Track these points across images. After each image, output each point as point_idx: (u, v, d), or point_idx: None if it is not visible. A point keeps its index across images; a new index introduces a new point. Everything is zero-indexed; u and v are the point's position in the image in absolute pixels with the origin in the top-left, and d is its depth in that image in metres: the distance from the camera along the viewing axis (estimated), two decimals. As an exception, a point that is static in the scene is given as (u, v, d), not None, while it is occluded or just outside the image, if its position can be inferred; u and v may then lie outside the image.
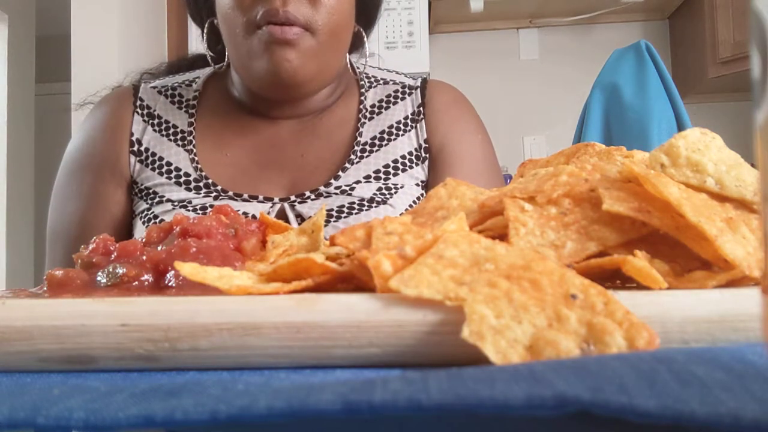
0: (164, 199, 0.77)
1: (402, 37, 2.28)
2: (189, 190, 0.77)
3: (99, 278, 0.36)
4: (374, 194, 0.77)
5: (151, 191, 0.79)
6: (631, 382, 0.17)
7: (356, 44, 0.86)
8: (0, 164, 3.09)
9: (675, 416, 0.16)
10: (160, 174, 0.79)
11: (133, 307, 0.27)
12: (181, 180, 0.78)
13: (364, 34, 0.85)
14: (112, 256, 0.38)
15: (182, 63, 0.99)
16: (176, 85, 0.87)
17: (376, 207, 0.76)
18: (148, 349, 0.26)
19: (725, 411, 0.16)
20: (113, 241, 0.40)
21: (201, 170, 0.79)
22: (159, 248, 0.38)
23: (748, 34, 0.19)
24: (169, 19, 2.38)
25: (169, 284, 0.36)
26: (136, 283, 0.36)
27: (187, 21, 2.32)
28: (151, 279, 0.36)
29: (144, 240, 0.40)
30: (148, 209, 0.78)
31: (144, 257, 0.37)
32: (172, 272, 0.36)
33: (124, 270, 0.36)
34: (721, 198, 0.32)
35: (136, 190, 0.81)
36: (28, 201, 3.27)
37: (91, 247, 0.39)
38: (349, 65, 0.87)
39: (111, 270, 0.36)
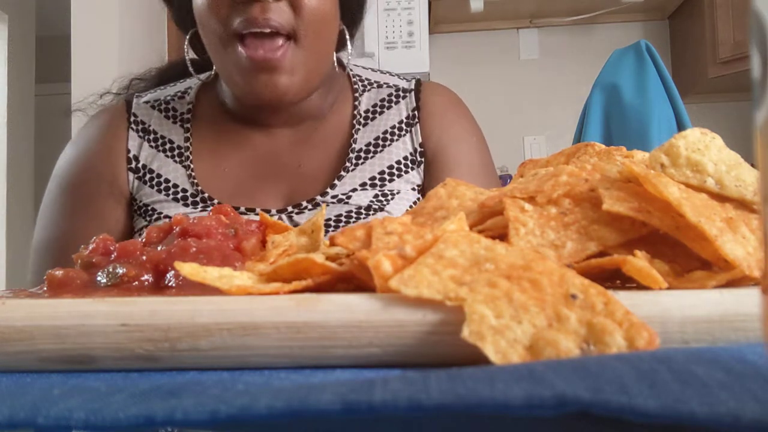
0: (162, 215, 0.77)
1: (402, 37, 2.28)
2: (186, 205, 0.77)
3: (99, 278, 0.36)
4: (371, 201, 0.77)
5: (149, 208, 0.78)
6: (631, 382, 0.17)
7: (342, 43, 0.84)
8: (0, 164, 3.09)
9: (675, 416, 0.16)
10: (159, 191, 0.79)
11: (133, 307, 0.27)
12: (179, 196, 0.78)
13: (347, 32, 0.83)
14: (112, 256, 0.38)
15: (173, 69, 0.97)
16: (169, 98, 0.85)
17: (373, 215, 0.75)
18: (148, 349, 0.26)
19: (725, 411, 0.16)
20: (113, 241, 0.40)
21: (197, 185, 0.78)
22: (159, 248, 0.38)
23: (748, 34, 0.19)
24: (169, 19, 2.38)
25: (169, 284, 0.36)
26: (136, 283, 0.36)
27: (187, 21, 2.31)
28: (151, 279, 0.36)
29: (144, 240, 0.40)
30: (147, 226, 0.77)
31: (144, 257, 0.37)
32: (172, 272, 0.36)
33: (124, 270, 0.36)
34: (721, 198, 0.32)
35: (135, 207, 0.80)
36: (27, 201, 3.27)
37: (91, 247, 0.39)
38: (337, 65, 0.85)
39: (111, 270, 0.36)
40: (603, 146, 0.41)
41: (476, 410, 0.17)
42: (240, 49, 0.70)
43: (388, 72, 0.91)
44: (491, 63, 2.73)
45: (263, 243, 0.42)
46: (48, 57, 3.54)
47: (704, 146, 0.34)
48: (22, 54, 3.23)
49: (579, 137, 1.56)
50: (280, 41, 0.70)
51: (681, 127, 1.40)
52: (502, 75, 2.72)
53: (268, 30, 0.69)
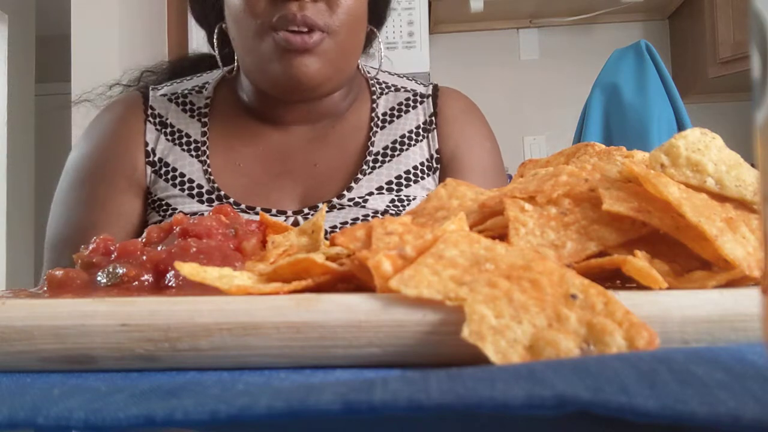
0: (177, 211, 0.76)
1: (402, 37, 2.28)
2: (201, 202, 0.76)
3: (99, 278, 0.36)
4: (387, 206, 0.77)
5: (164, 203, 0.78)
6: (631, 382, 0.17)
7: (366, 44, 0.85)
8: (0, 164, 3.09)
9: (675, 416, 0.16)
10: (174, 185, 0.78)
11: (133, 307, 0.27)
12: (194, 192, 0.77)
13: (377, 33, 0.85)
14: (112, 256, 0.38)
15: (185, 63, 0.98)
16: (186, 92, 0.85)
17: None
18: (148, 349, 0.26)
19: (725, 411, 0.16)
20: (113, 241, 0.40)
21: (214, 182, 0.78)
22: (159, 248, 0.38)
23: (748, 34, 0.19)
24: (169, 19, 2.38)
25: (169, 284, 0.36)
26: (136, 283, 0.36)
27: (187, 21, 2.32)
28: (151, 279, 0.36)
29: (144, 240, 0.40)
30: (161, 221, 0.76)
31: (144, 257, 0.37)
32: (172, 272, 0.36)
33: (124, 270, 0.36)
34: (721, 198, 0.32)
35: (149, 201, 0.80)
36: (28, 201, 3.27)
37: (91, 247, 0.39)
38: (360, 68, 0.86)
39: (111, 270, 0.36)
40: (603, 146, 0.41)
41: (476, 410, 0.17)
42: (278, 33, 0.70)
43: (405, 76, 0.92)
44: (491, 63, 2.73)
45: (263, 243, 0.42)
46: (48, 57, 3.54)
47: (704, 146, 0.34)
48: (22, 54, 3.23)
49: (579, 137, 1.56)
50: (317, 36, 0.71)
51: (681, 127, 1.41)
52: (502, 75, 2.72)
53: (305, 29, 0.70)
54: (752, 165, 0.28)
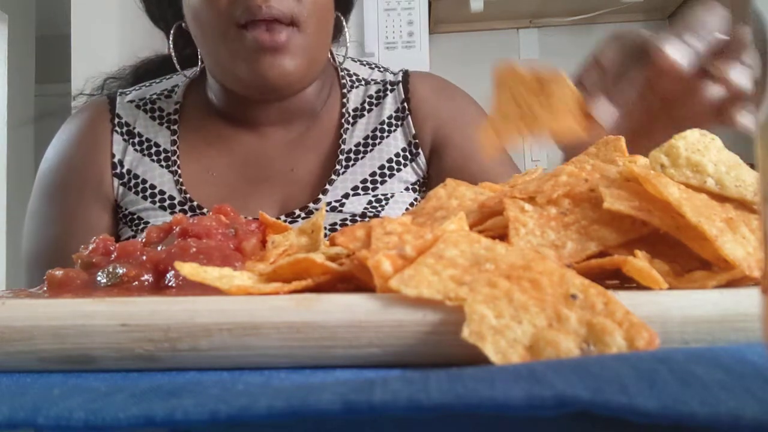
0: (149, 225, 0.73)
1: (402, 37, 2.28)
2: (174, 214, 0.73)
3: (99, 278, 0.36)
4: (365, 209, 0.75)
5: (135, 216, 0.75)
6: (631, 382, 0.17)
7: (335, 32, 0.81)
8: (0, 164, 3.09)
9: (675, 416, 0.16)
10: (144, 198, 0.75)
11: (133, 307, 0.27)
12: (166, 204, 0.75)
13: (343, 20, 0.81)
14: (112, 256, 0.38)
15: (150, 66, 0.93)
16: (155, 97, 0.81)
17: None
18: (148, 349, 0.26)
19: (725, 411, 0.16)
20: (113, 241, 0.40)
21: (186, 192, 0.75)
22: (159, 248, 0.38)
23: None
24: (169, 19, 2.38)
25: (169, 284, 0.36)
26: (136, 283, 0.36)
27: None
28: (151, 279, 0.36)
29: (144, 240, 0.40)
30: (133, 236, 0.74)
31: (144, 257, 0.37)
32: (172, 272, 0.36)
33: (124, 270, 0.36)
34: (721, 198, 0.32)
35: (120, 215, 0.77)
36: (27, 201, 3.27)
37: (91, 247, 0.39)
38: (330, 58, 0.82)
39: (111, 270, 0.36)
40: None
41: (476, 410, 0.17)
42: (245, 32, 0.67)
43: (377, 66, 0.88)
44: (491, 63, 2.72)
45: (263, 243, 0.42)
46: (48, 57, 3.54)
47: (704, 147, 0.34)
48: (22, 54, 3.23)
49: (579, 137, 1.55)
50: (282, 28, 0.68)
51: (681, 127, 1.40)
52: (502, 75, 2.72)
53: (271, 18, 0.67)
54: (751, 165, 0.28)
